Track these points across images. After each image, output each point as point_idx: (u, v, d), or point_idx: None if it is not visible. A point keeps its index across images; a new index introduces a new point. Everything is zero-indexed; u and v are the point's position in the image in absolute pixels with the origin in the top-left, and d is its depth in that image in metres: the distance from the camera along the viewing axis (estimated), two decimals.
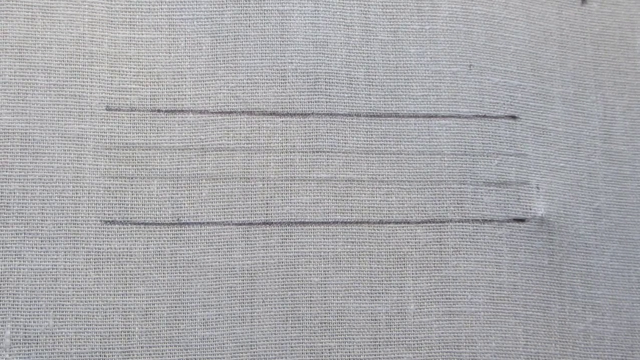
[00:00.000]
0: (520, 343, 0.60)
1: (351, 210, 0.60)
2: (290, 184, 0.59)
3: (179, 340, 0.57)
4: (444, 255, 0.60)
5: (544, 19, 0.66)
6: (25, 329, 0.56)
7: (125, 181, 0.58)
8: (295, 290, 0.58)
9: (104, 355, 0.56)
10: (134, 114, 0.59)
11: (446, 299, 0.60)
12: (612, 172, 0.64)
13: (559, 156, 0.64)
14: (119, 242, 0.57)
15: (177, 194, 0.58)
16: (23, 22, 0.59)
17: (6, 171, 0.57)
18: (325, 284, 0.59)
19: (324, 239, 0.59)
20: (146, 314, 0.57)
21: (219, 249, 0.58)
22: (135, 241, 0.57)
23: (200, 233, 0.58)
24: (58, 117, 0.58)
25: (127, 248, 0.57)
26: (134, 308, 0.57)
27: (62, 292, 0.56)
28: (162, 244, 0.58)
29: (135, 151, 0.58)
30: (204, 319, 0.57)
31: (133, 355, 0.56)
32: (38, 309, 0.56)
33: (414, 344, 0.59)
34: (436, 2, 0.64)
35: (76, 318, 0.56)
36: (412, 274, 0.60)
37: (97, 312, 0.56)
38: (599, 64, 0.66)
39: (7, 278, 0.56)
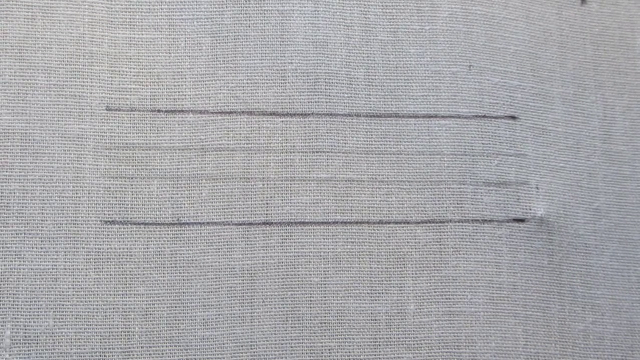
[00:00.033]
0: (520, 343, 0.60)
1: (351, 210, 0.60)
2: (290, 184, 0.60)
3: (179, 340, 0.57)
4: (444, 256, 0.60)
5: (544, 19, 0.66)
6: (25, 329, 0.56)
7: (125, 181, 0.58)
8: (295, 290, 0.58)
9: (104, 355, 0.56)
10: (134, 114, 0.59)
11: (446, 299, 0.60)
12: (612, 172, 0.64)
13: (558, 156, 0.64)
14: (119, 242, 0.57)
15: (177, 194, 0.58)
16: (23, 22, 0.59)
17: (6, 171, 0.57)
18: (325, 284, 0.59)
19: (324, 239, 0.59)
20: (146, 314, 0.57)
21: (219, 249, 0.58)
22: (135, 241, 0.57)
23: (200, 233, 0.58)
24: (58, 117, 0.58)
25: (127, 248, 0.57)
26: (134, 308, 0.57)
27: (62, 292, 0.56)
28: (162, 244, 0.58)
29: (135, 151, 0.58)
30: (204, 319, 0.57)
31: (133, 355, 0.56)
32: (38, 309, 0.56)
33: (413, 344, 0.59)
34: (436, 2, 0.64)
35: (76, 318, 0.56)
36: (412, 274, 0.60)
37: (97, 312, 0.56)
38: (599, 64, 0.66)
39: (7, 278, 0.56)
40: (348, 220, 0.60)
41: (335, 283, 0.59)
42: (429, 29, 0.63)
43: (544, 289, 0.61)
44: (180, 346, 0.57)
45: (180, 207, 0.58)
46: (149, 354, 0.56)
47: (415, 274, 0.60)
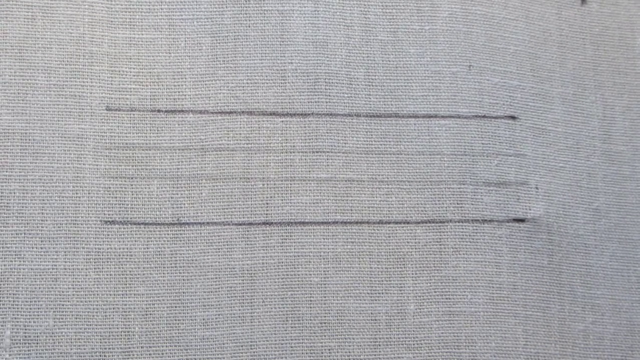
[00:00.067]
0: (520, 343, 0.60)
1: (351, 210, 0.60)
2: (290, 184, 0.60)
3: (179, 340, 0.57)
4: (444, 256, 0.60)
5: (544, 19, 0.66)
6: (25, 329, 0.56)
7: (125, 181, 0.58)
8: (295, 290, 0.58)
9: (104, 355, 0.56)
10: (134, 114, 0.59)
11: (446, 299, 0.60)
12: (612, 173, 0.64)
13: (558, 156, 0.64)
14: (119, 242, 0.57)
15: (177, 194, 0.58)
16: (23, 22, 0.59)
17: (6, 171, 0.57)
18: (325, 284, 0.59)
19: (324, 239, 0.59)
20: (146, 314, 0.57)
21: (219, 249, 0.58)
22: (135, 241, 0.57)
23: (200, 233, 0.58)
24: (58, 117, 0.58)
25: (127, 248, 0.57)
26: (134, 308, 0.57)
27: (62, 292, 0.56)
28: (162, 244, 0.58)
29: (135, 151, 0.58)
30: (204, 319, 0.57)
31: (133, 355, 0.56)
32: (38, 309, 0.56)
33: (413, 344, 0.59)
34: (436, 2, 0.64)
35: (76, 318, 0.56)
36: (412, 274, 0.60)
37: (97, 312, 0.56)
38: (599, 64, 0.66)
39: (7, 278, 0.56)
40: (348, 220, 0.60)
41: (335, 283, 0.59)
42: (428, 29, 0.63)
43: (543, 289, 0.61)
44: (180, 346, 0.57)
45: (180, 207, 0.58)
46: (149, 354, 0.56)
47: (415, 274, 0.60)
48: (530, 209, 0.62)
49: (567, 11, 0.67)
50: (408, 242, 0.60)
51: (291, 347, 0.58)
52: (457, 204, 0.61)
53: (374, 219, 0.60)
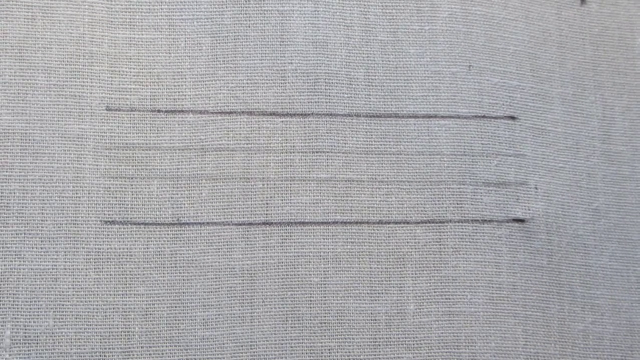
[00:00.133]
0: (519, 343, 0.60)
1: (351, 210, 0.60)
2: (290, 184, 0.60)
3: (179, 340, 0.57)
4: (444, 256, 0.60)
5: (543, 19, 0.66)
6: (25, 329, 0.56)
7: (125, 181, 0.58)
8: (295, 290, 0.58)
9: (104, 355, 0.56)
10: (134, 114, 0.59)
11: (446, 299, 0.60)
12: (611, 173, 0.65)
13: (558, 156, 0.64)
14: (119, 242, 0.57)
15: (177, 194, 0.58)
16: (23, 22, 0.59)
17: (6, 171, 0.57)
18: (325, 284, 0.59)
19: (323, 239, 0.59)
20: (146, 314, 0.57)
21: (219, 249, 0.58)
22: (135, 241, 0.57)
23: (200, 233, 0.58)
24: (58, 117, 0.58)
25: (127, 248, 0.57)
26: (134, 308, 0.57)
27: (62, 292, 0.56)
28: (162, 244, 0.58)
29: (135, 151, 0.58)
30: (204, 319, 0.57)
31: (133, 355, 0.56)
32: (38, 309, 0.56)
33: (413, 344, 0.59)
34: (436, 2, 0.64)
35: (76, 318, 0.56)
36: (412, 274, 0.60)
37: (97, 312, 0.56)
38: (598, 64, 0.66)
39: (7, 278, 0.56)
40: (348, 220, 0.60)
41: (335, 283, 0.59)
42: (428, 29, 0.63)
43: (543, 289, 0.61)
44: (180, 346, 0.57)
45: (180, 207, 0.58)
46: (149, 354, 0.56)
47: (415, 274, 0.60)
48: (529, 209, 0.62)
49: (566, 11, 0.67)
50: (408, 242, 0.60)
51: (291, 347, 0.58)
52: (457, 204, 0.61)
53: (374, 219, 0.60)
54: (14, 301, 0.56)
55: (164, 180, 0.58)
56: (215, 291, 0.58)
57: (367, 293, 0.59)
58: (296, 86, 0.61)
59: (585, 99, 0.65)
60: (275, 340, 0.58)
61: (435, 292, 0.60)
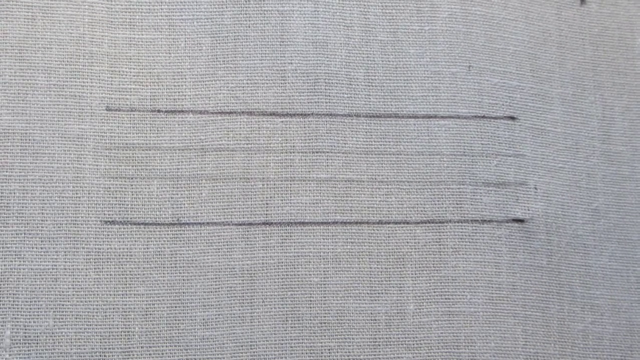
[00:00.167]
0: (519, 343, 0.60)
1: (351, 210, 0.60)
2: (290, 184, 0.60)
3: (179, 340, 0.57)
4: (443, 256, 0.60)
5: (543, 19, 0.66)
6: (25, 329, 0.56)
7: (125, 181, 0.58)
8: (295, 290, 0.58)
9: (104, 355, 0.56)
10: (134, 114, 0.59)
11: (445, 299, 0.60)
12: (611, 173, 0.65)
13: (557, 157, 0.64)
14: (119, 242, 0.57)
15: (177, 194, 0.58)
16: (23, 22, 0.59)
17: (6, 171, 0.57)
18: (325, 284, 0.59)
19: (323, 239, 0.59)
20: (146, 314, 0.57)
21: (219, 249, 0.58)
22: (135, 241, 0.58)
23: (200, 233, 0.58)
24: (58, 117, 0.58)
25: (127, 248, 0.57)
26: (134, 308, 0.57)
27: (62, 292, 0.56)
28: (162, 244, 0.58)
29: (135, 151, 0.58)
30: (204, 319, 0.57)
31: (133, 355, 0.56)
32: (38, 309, 0.56)
33: (413, 344, 0.59)
34: (435, 2, 0.64)
35: (76, 318, 0.56)
36: (412, 274, 0.60)
37: (97, 312, 0.56)
38: (598, 64, 0.66)
39: (7, 278, 0.56)
40: (348, 221, 0.60)
41: (335, 283, 0.59)
42: (428, 30, 0.63)
43: (543, 289, 0.61)
44: (180, 346, 0.57)
45: (180, 207, 0.58)
46: (149, 354, 0.56)
47: (415, 274, 0.60)
48: (529, 209, 0.62)
49: (566, 11, 0.67)
50: (407, 243, 0.60)
51: (291, 347, 0.58)
52: (457, 204, 0.61)
53: (374, 219, 0.60)
54: (14, 301, 0.56)
55: (164, 180, 0.58)
56: (215, 291, 0.58)
57: (367, 293, 0.59)
58: (296, 86, 0.61)
59: (585, 99, 0.65)
60: (275, 340, 0.58)
61: (435, 292, 0.60)
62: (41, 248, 0.56)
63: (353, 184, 0.60)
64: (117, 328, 0.56)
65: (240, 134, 0.60)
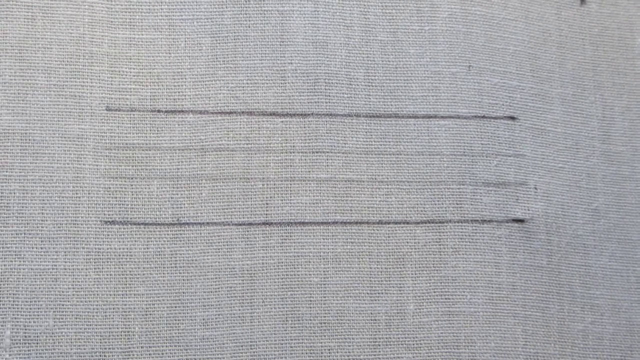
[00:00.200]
0: (519, 343, 0.60)
1: (351, 210, 0.60)
2: (290, 184, 0.60)
3: (179, 340, 0.57)
4: (443, 256, 0.60)
5: (543, 19, 0.66)
6: (25, 329, 0.56)
7: (125, 181, 0.58)
8: (295, 290, 0.58)
9: (104, 355, 0.56)
10: (134, 114, 0.59)
11: (445, 299, 0.60)
12: (611, 173, 0.65)
13: (557, 157, 0.64)
14: (119, 242, 0.57)
15: (177, 194, 0.58)
16: (23, 22, 0.59)
17: (6, 171, 0.57)
18: (325, 284, 0.59)
19: (323, 239, 0.59)
20: (146, 314, 0.57)
21: (219, 249, 0.58)
22: (135, 241, 0.58)
23: (200, 233, 0.58)
24: (58, 117, 0.58)
25: (127, 248, 0.57)
26: (134, 308, 0.57)
27: (62, 292, 0.56)
28: (162, 244, 0.58)
29: (135, 151, 0.59)
30: (204, 319, 0.57)
31: (133, 355, 0.56)
32: (38, 309, 0.56)
33: (413, 344, 0.59)
34: (435, 2, 0.64)
35: (76, 318, 0.56)
36: (412, 274, 0.60)
37: (97, 312, 0.56)
38: (598, 64, 0.66)
39: (7, 278, 0.56)
40: (348, 221, 0.60)
41: (335, 283, 0.59)
42: (428, 30, 0.63)
43: (543, 289, 0.61)
44: (180, 346, 0.57)
45: (180, 207, 0.58)
46: (149, 354, 0.56)
47: (415, 274, 0.60)
48: (529, 210, 0.62)
49: (566, 11, 0.67)
50: (407, 243, 0.60)
51: (291, 347, 0.58)
52: (457, 204, 0.61)
53: (374, 219, 0.60)
54: (14, 301, 0.56)
55: (164, 180, 0.58)
56: (215, 291, 0.58)
57: (367, 293, 0.59)
58: (296, 86, 0.61)
59: (585, 99, 0.65)
60: (275, 340, 0.58)
61: (435, 292, 0.60)
62: (41, 248, 0.56)
63: (353, 184, 0.60)
64: (117, 328, 0.56)
65: (240, 134, 0.60)
